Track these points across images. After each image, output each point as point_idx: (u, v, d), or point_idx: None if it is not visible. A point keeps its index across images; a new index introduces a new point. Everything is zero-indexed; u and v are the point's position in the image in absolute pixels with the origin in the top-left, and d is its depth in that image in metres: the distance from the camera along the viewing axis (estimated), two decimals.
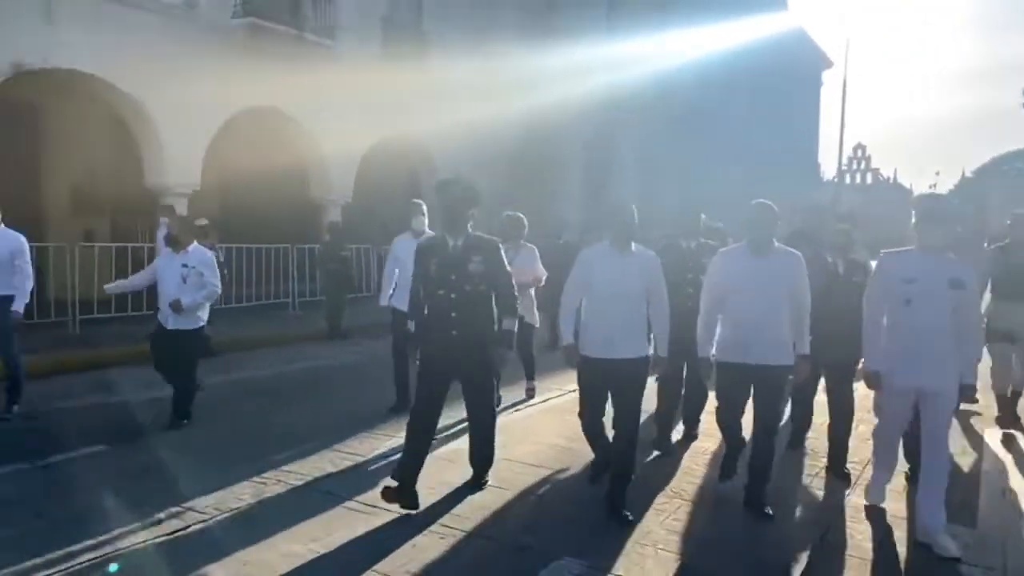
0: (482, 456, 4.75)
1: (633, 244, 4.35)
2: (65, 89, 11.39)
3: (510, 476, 4.93)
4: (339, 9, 13.90)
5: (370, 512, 4.27)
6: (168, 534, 3.92)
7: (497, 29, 17.03)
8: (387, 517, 4.20)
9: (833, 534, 4.20)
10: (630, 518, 4.23)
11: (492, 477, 4.79)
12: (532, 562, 3.68)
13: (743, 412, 4.55)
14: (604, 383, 4.33)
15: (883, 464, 4.55)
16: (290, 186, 14.46)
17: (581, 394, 4.56)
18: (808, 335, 4.41)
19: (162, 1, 11.44)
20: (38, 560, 3.56)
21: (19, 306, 6.23)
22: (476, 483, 4.71)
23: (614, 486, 4.36)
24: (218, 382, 7.66)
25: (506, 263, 4.59)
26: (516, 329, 4.64)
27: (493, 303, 4.51)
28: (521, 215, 7.25)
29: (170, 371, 6.21)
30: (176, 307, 5.99)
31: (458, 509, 4.35)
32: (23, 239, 6.39)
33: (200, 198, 12.44)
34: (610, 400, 4.43)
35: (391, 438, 5.71)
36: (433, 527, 4.07)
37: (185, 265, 6.15)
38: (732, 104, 28.68)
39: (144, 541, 3.83)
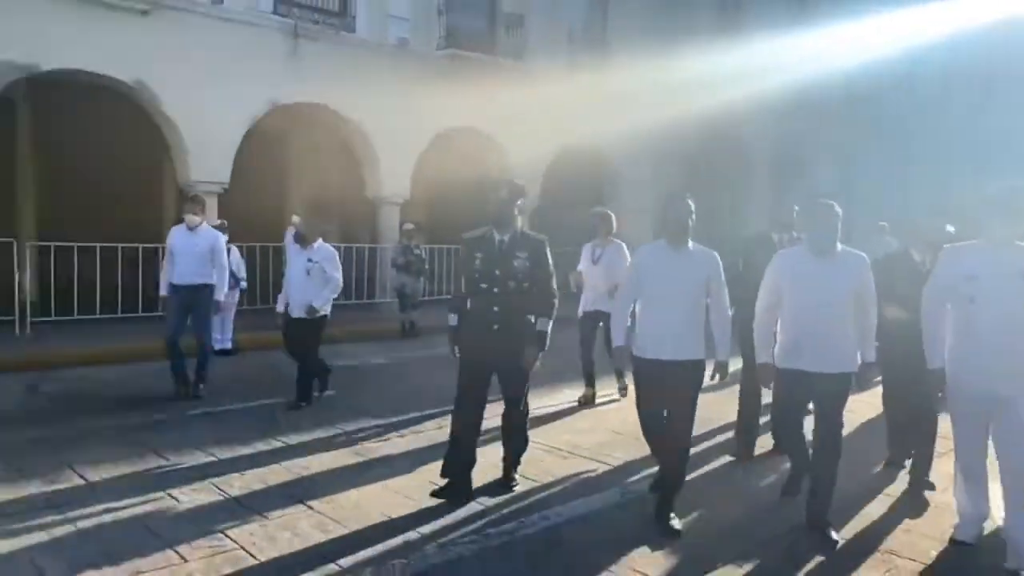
0: (511, 451, 4.74)
1: (690, 242, 4.21)
2: (306, 119, 13.88)
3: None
4: (528, 31, 15.38)
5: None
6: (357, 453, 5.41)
7: (679, 30, 17.60)
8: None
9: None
10: (677, 527, 4.10)
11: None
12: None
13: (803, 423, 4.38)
14: (657, 385, 4.18)
15: (969, 489, 4.03)
16: (484, 192, 16.20)
17: (637, 395, 4.45)
18: (874, 341, 4.22)
19: (383, 42, 13.52)
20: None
21: (218, 295, 7.16)
22: (506, 483, 4.68)
23: (662, 493, 4.26)
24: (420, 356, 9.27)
25: (550, 262, 4.54)
26: (549, 330, 4.54)
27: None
28: (609, 212, 7.38)
29: (296, 354, 6.87)
30: (310, 312, 6.64)
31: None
32: (221, 236, 7.34)
33: (410, 206, 14.53)
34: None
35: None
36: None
37: (310, 260, 6.72)
38: (955, 97, 26.59)
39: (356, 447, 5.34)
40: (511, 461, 4.74)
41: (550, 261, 4.52)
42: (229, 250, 8.23)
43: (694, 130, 17.87)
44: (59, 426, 5.96)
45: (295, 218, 11.08)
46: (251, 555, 3.69)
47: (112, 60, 10.67)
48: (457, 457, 4.49)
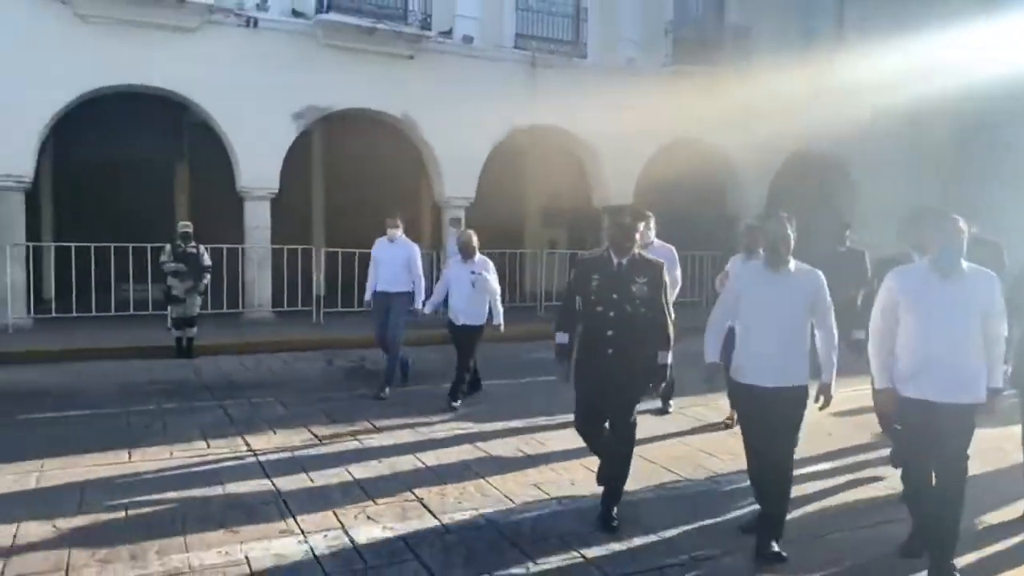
0: (610, 481, 4.49)
1: (793, 262, 4.01)
2: (540, 137, 15.39)
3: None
4: (756, 39, 15.56)
5: None
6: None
7: (923, 17, 16.58)
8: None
9: None
10: (784, 556, 3.95)
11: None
12: None
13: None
14: (757, 412, 4.02)
15: None
16: (708, 200, 16.69)
17: (740, 423, 4.32)
18: (1003, 365, 3.93)
19: (611, 63, 14.61)
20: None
21: (417, 303, 7.59)
22: (607, 522, 4.35)
23: (761, 528, 4.07)
24: None
25: (669, 290, 4.44)
26: (670, 362, 4.39)
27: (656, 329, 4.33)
28: (759, 225, 6.85)
29: (463, 357, 7.21)
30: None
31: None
32: (415, 247, 7.76)
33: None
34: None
35: None
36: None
37: (473, 272, 7.09)
38: None
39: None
40: (608, 494, 4.46)
41: (669, 288, 4.44)
42: None
43: (944, 124, 16.72)
44: (347, 391, 7.79)
45: (452, 229, 12.40)
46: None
47: (385, 98, 12.88)
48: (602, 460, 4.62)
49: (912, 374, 3.82)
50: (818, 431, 5.85)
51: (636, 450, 4.57)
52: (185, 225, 9.82)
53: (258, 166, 12.12)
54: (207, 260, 9.71)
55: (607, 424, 4.45)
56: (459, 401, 7.09)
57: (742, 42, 15.45)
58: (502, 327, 7.31)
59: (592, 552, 4.01)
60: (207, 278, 9.78)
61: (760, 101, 14.91)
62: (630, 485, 4.59)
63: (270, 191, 12.29)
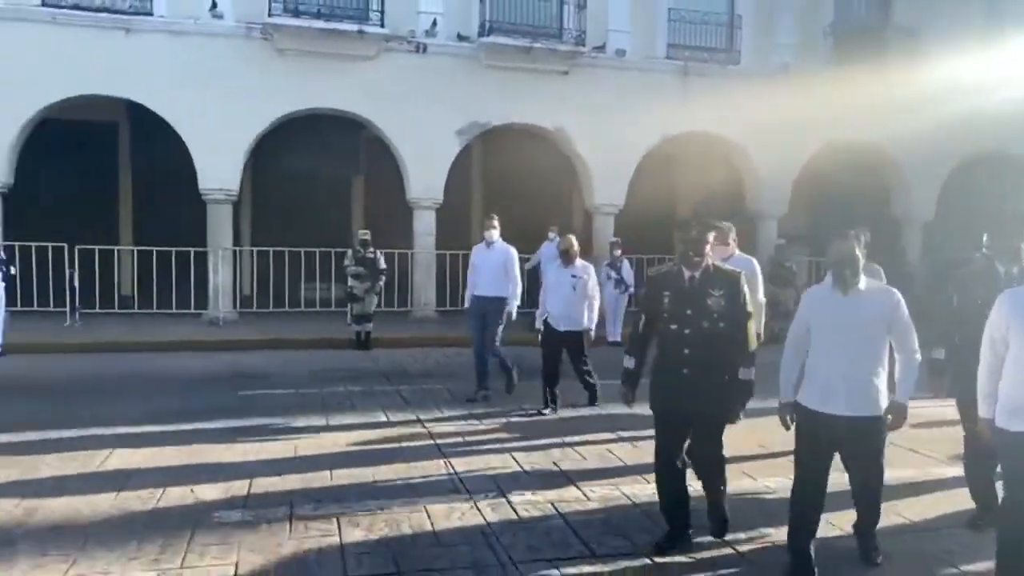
0: (716, 512, 4.27)
1: (864, 280, 3.77)
2: (691, 144, 15.57)
3: None
4: (920, 38, 14.88)
5: None
6: None
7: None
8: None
9: None
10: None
11: None
12: None
13: None
14: (823, 443, 3.77)
15: None
16: (871, 203, 16.12)
17: (796, 451, 3.92)
18: None
19: (765, 69, 14.57)
20: None
21: (512, 307, 7.48)
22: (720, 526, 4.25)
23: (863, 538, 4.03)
24: None
25: (748, 300, 4.11)
26: (753, 378, 4.10)
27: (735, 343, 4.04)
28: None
29: (556, 363, 7.13)
30: (588, 338, 7.16)
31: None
32: (512, 251, 7.64)
33: (788, 218, 15.30)
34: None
35: None
36: None
37: (574, 276, 7.07)
38: None
39: None
40: (718, 527, 4.25)
41: (748, 299, 4.10)
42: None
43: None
44: (501, 382, 8.50)
45: (551, 234, 12.53)
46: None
47: (540, 112, 13.65)
48: (671, 506, 4.16)
49: (1014, 404, 3.35)
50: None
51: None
52: (364, 233, 11.05)
53: (425, 179, 13.27)
54: (382, 264, 10.88)
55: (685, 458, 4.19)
56: (595, 402, 7.26)
57: (907, 42, 14.86)
58: (592, 333, 7.19)
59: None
60: (383, 280, 10.95)
61: (927, 102, 14.28)
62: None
63: (436, 201, 13.41)
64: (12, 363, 9.08)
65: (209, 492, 4.82)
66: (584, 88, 13.69)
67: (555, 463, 5.60)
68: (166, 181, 13.56)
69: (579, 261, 7.20)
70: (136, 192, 14.86)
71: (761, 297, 6.10)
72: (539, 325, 7.32)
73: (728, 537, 4.26)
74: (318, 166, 15.10)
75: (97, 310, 11.90)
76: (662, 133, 14.30)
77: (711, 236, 4.10)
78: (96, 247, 12.02)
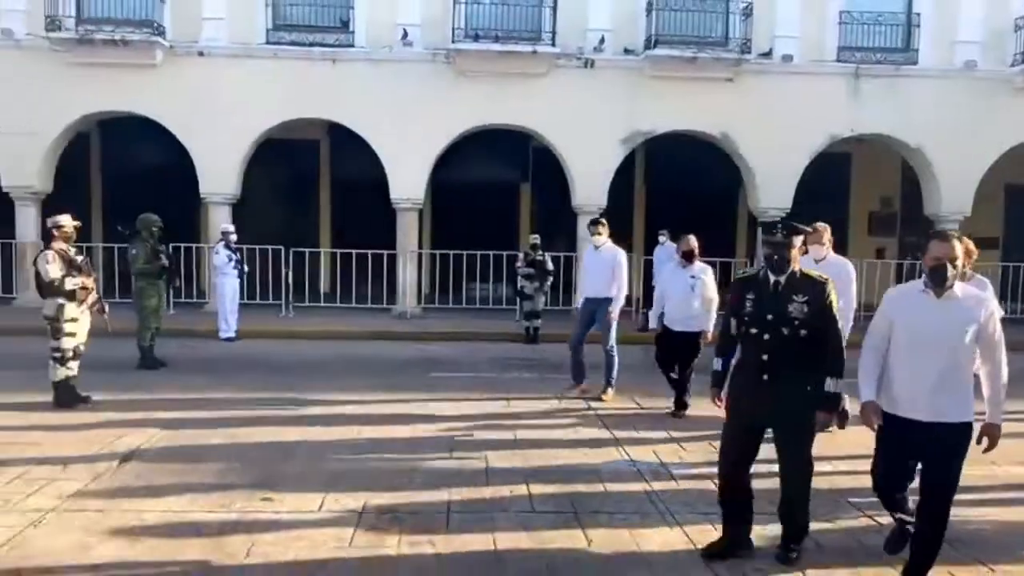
0: (792, 520, 4.11)
1: (959, 285, 3.66)
2: (864, 147, 15.22)
3: None
4: None
5: None
6: None
7: None
8: None
9: None
10: None
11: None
12: None
13: None
14: (904, 447, 3.76)
15: None
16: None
17: (877, 453, 3.92)
18: None
19: (948, 68, 14.02)
20: None
21: (615, 309, 7.53)
22: (784, 553, 4.07)
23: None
24: None
25: (836, 308, 4.02)
26: (841, 390, 4.00)
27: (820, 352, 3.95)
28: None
29: (671, 365, 7.22)
30: (705, 340, 6.99)
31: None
32: (621, 253, 7.70)
33: (971, 221, 14.58)
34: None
35: None
36: None
37: (693, 276, 7.14)
38: None
39: None
40: (788, 537, 4.13)
41: (835, 307, 4.01)
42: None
43: None
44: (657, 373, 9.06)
45: (662, 237, 12.37)
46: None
47: (704, 119, 13.99)
48: (730, 515, 4.16)
49: None
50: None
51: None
52: (534, 237, 12.02)
53: (590, 186, 14.03)
54: (550, 265, 11.77)
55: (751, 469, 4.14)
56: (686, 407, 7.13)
57: None
58: (709, 335, 6.90)
59: None
60: (550, 280, 11.83)
61: None
62: None
63: (599, 207, 14.12)
64: (243, 346, 10.85)
65: (427, 435, 6.26)
66: (749, 94, 13.87)
67: (711, 445, 6.15)
68: (360, 191, 15.27)
69: (698, 262, 7.24)
70: (334, 201, 16.82)
71: (853, 301, 6.11)
72: (654, 324, 7.41)
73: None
74: (489, 175, 16.32)
75: (306, 303, 13.70)
76: (829, 135, 14.16)
77: (798, 241, 3.99)
78: (306, 249, 13.88)
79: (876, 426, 3.75)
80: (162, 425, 6.33)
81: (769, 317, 3.95)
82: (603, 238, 7.70)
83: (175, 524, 4.32)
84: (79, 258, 6.87)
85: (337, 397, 7.52)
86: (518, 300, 12.24)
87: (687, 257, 7.23)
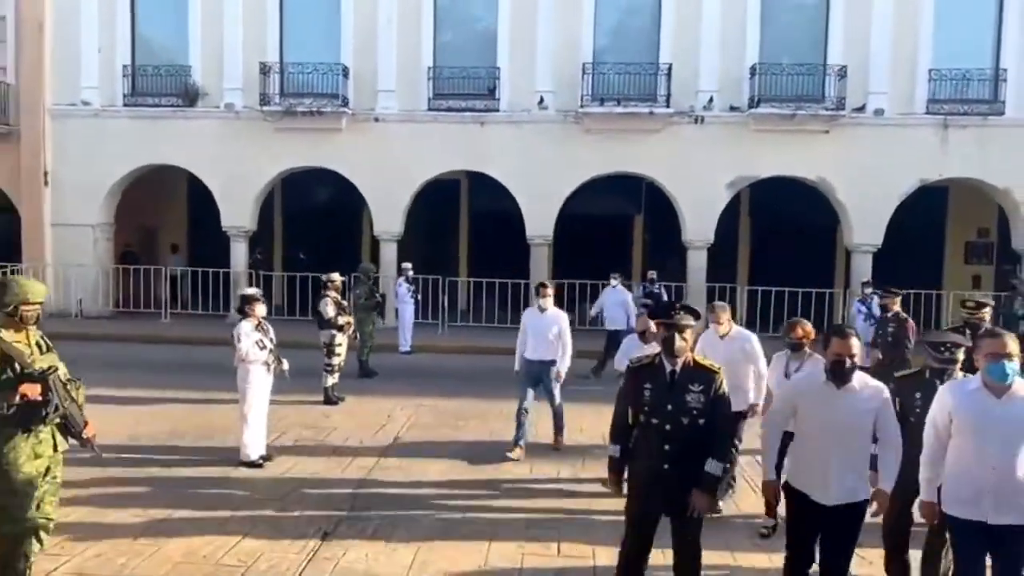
0: None
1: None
2: (961, 189, 16.66)
3: None
4: None
5: None
6: None
7: None
8: None
9: None
10: None
11: None
12: None
13: None
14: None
15: None
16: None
17: (788, 523, 4.26)
18: None
19: None
20: None
21: (561, 368, 7.77)
22: None
23: None
24: None
25: (728, 397, 4.21)
26: (721, 474, 4.17)
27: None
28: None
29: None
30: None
31: None
32: (565, 316, 7.89)
33: None
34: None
35: None
36: None
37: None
38: None
39: None
40: None
41: (727, 396, 4.21)
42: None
43: None
44: None
45: (614, 281, 12.67)
46: None
47: (803, 166, 15.85)
48: None
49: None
50: None
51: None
52: (652, 273, 14.27)
53: (699, 223, 16.13)
54: (665, 296, 13.96)
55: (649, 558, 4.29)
56: None
57: None
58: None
59: None
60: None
61: None
62: None
63: (707, 242, 16.20)
64: (417, 358, 13.60)
65: None
66: (844, 143, 15.62)
67: None
68: (496, 229, 17.86)
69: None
70: (472, 236, 19.60)
71: (763, 369, 6.20)
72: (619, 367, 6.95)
73: None
74: (608, 208, 18.55)
75: (458, 323, 16.40)
76: (918, 180, 15.71)
77: (692, 325, 4.16)
78: (457, 279, 16.64)
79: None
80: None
81: (669, 407, 4.06)
82: (549, 300, 7.82)
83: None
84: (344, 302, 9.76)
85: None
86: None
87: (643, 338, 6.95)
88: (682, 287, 16.23)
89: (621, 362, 6.73)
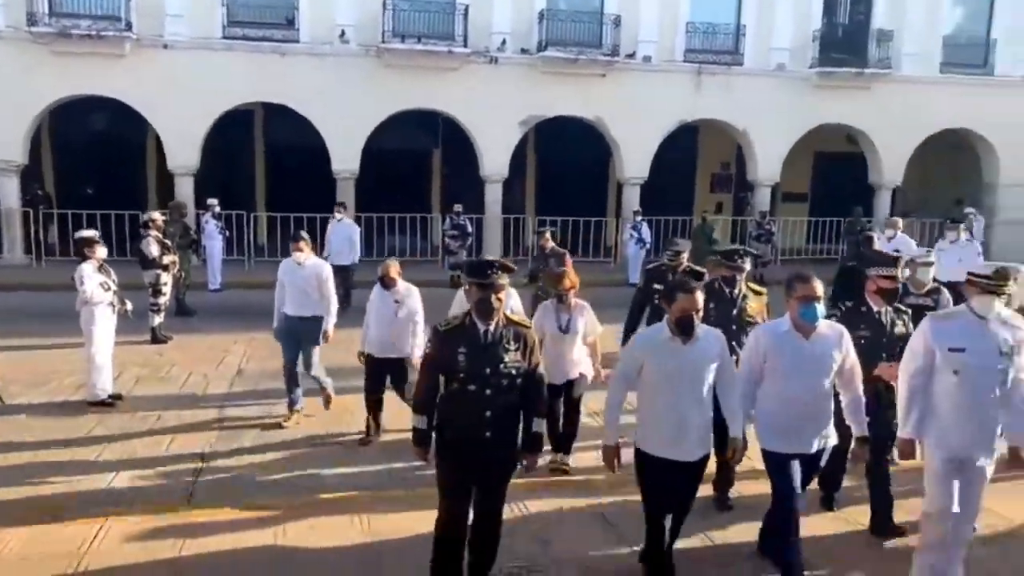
0: (481, 570, 4.07)
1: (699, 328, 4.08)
2: (707, 128, 19.44)
3: None
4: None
5: None
6: None
7: None
8: None
9: None
10: None
11: None
12: None
13: None
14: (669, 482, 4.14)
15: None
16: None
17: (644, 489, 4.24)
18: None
19: (765, 68, 18.25)
20: None
21: (328, 325, 6.99)
22: None
23: None
24: None
25: (539, 351, 4.07)
26: (545, 431, 4.17)
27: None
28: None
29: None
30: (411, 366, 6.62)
31: None
32: (327, 266, 7.20)
33: (788, 182, 19.11)
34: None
35: None
36: None
37: (396, 301, 6.60)
38: None
39: None
40: None
41: (539, 349, 4.09)
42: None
43: None
44: None
45: (339, 215, 15.75)
46: None
47: (583, 106, 17.60)
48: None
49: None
50: None
51: None
52: (458, 206, 15.29)
53: (495, 159, 17.41)
54: (470, 228, 15.16)
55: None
56: None
57: (886, 45, 18.37)
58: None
59: None
60: (470, 239, 15.24)
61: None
62: None
63: (503, 176, 17.57)
64: (228, 295, 13.61)
65: None
66: (618, 86, 17.53)
67: None
68: (298, 163, 17.82)
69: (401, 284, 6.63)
70: (270, 169, 19.31)
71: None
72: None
73: None
74: (407, 143, 19.21)
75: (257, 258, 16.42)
76: (678, 119, 18.16)
77: (507, 284, 3.93)
78: (258, 213, 16.48)
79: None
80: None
81: (487, 371, 3.80)
82: (305, 254, 7.05)
83: None
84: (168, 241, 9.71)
85: None
86: (444, 255, 15.57)
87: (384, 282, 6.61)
88: (482, 219, 17.53)
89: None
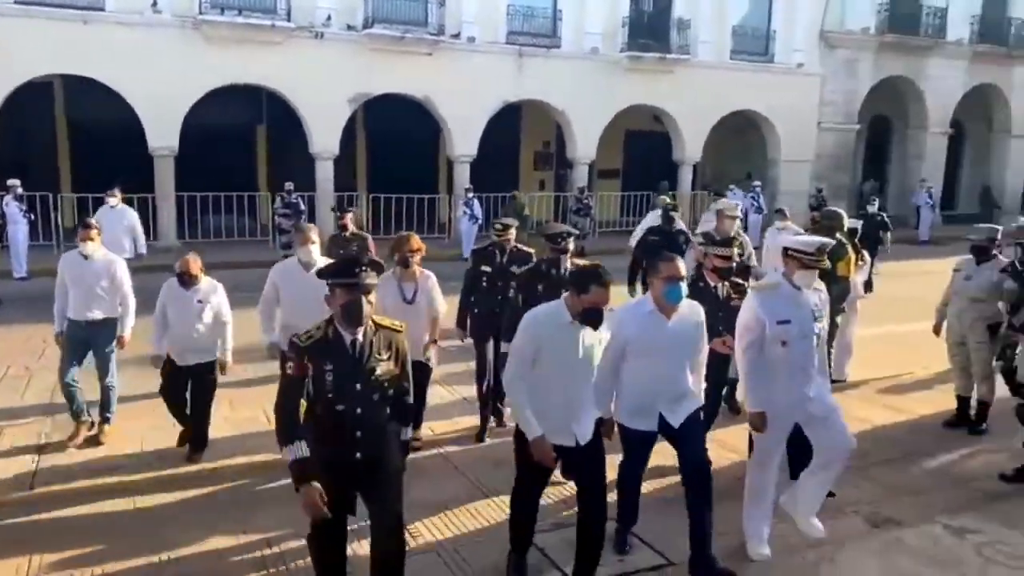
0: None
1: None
2: (530, 108, 20.38)
3: None
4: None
5: None
6: None
7: None
8: None
9: None
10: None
11: None
12: None
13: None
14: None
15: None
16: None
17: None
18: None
19: (580, 52, 19.43)
20: None
21: (126, 329, 6.06)
22: None
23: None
24: None
25: (408, 352, 3.69)
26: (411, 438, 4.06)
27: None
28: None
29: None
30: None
31: None
32: (121, 263, 6.11)
33: (603, 158, 20.51)
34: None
35: None
36: None
37: (199, 301, 5.84)
38: None
39: None
40: None
41: (408, 353, 3.70)
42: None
43: None
44: None
45: (112, 199, 11.26)
46: None
47: (412, 85, 17.87)
48: None
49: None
50: None
51: None
52: (289, 185, 15.10)
53: (324, 136, 17.30)
54: (303, 206, 15.07)
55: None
56: None
57: (685, 32, 20.17)
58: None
59: None
60: (303, 217, 15.13)
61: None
62: None
63: (333, 154, 17.51)
64: (35, 283, 12.61)
65: None
66: (445, 65, 17.94)
67: None
68: (107, 140, 16.67)
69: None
70: (74, 146, 17.86)
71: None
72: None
73: None
74: (230, 119, 18.56)
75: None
76: (502, 99, 18.95)
77: (375, 280, 3.51)
78: (67, 195, 15.32)
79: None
80: None
81: (358, 387, 3.44)
82: (95, 244, 6.02)
83: None
84: None
85: None
86: (276, 234, 15.35)
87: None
88: (312, 196, 17.39)
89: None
